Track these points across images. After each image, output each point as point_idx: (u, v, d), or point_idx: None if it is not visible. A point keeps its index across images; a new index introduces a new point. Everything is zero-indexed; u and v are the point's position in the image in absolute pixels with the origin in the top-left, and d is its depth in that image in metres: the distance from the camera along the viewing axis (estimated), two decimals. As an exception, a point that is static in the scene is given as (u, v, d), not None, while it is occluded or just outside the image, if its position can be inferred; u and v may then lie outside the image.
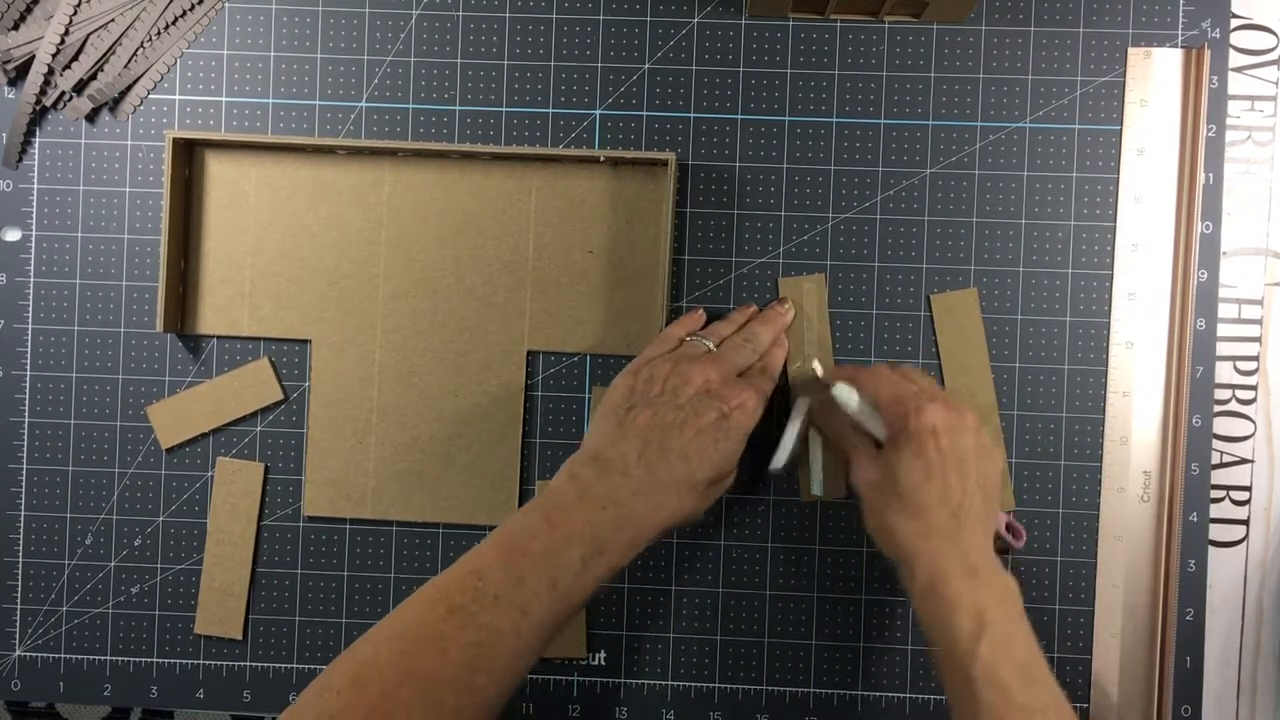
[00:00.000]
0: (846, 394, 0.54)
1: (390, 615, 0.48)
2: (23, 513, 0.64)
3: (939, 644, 0.50)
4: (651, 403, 0.53)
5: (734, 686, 0.63)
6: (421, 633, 0.47)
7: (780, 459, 0.58)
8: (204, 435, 0.63)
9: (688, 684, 0.63)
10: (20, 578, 0.64)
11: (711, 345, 0.58)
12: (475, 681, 0.46)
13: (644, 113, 0.63)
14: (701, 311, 0.61)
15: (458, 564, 0.49)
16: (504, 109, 0.63)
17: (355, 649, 0.47)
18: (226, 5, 0.63)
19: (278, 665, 0.64)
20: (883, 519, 0.52)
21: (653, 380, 0.54)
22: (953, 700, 0.49)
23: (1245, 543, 0.62)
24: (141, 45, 0.63)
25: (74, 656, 0.64)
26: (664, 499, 0.51)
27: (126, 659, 0.64)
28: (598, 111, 0.63)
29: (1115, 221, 0.62)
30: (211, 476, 0.63)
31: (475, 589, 0.48)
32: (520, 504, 0.63)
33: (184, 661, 0.64)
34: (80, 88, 0.63)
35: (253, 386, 0.63)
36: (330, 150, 0.62)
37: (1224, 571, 0.62)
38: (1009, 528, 0.61)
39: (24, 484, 0.64)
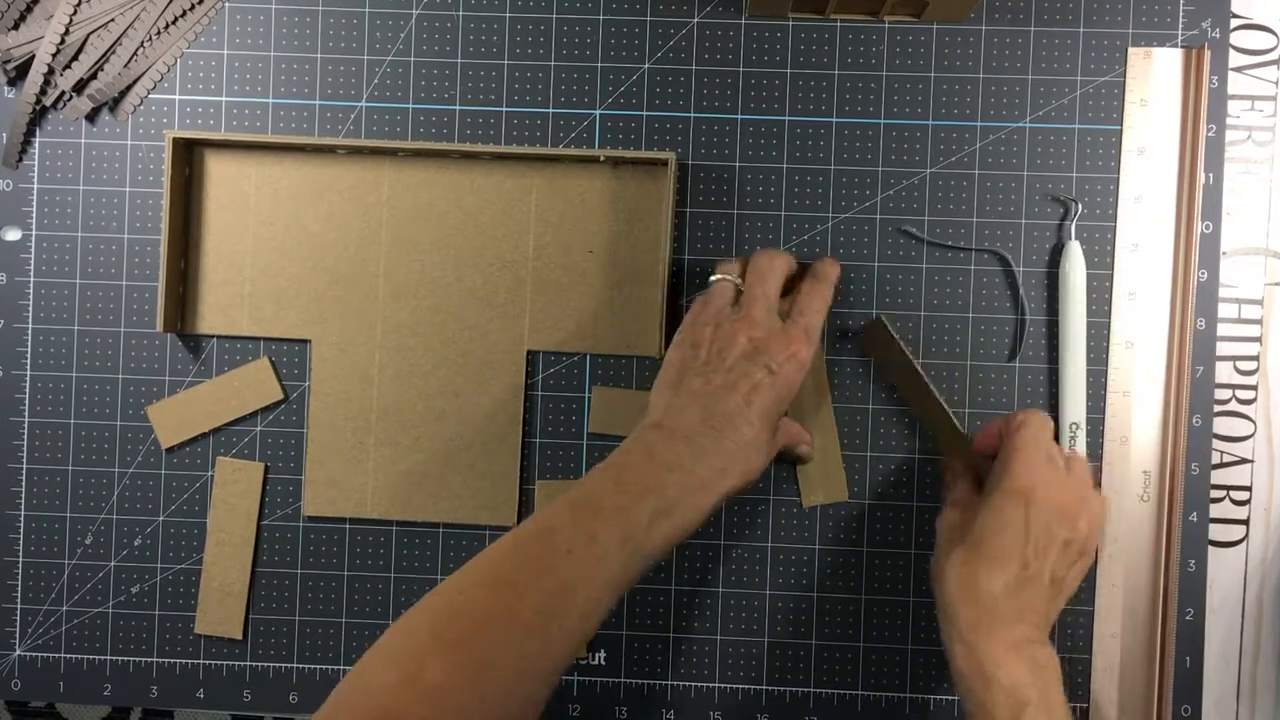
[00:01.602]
0: None
1: (464, 568, 0.49)
2: (23, 513, 0.64)
3: (971, 713, 0.51)
4: (701, 370, 0.53)
5: (734, 686, 0.63)
6: (499, 579, 0.48)
7: None
8: (204, 435, 0.63)
9: (687, 684, 0.63)
10: (20, 578, 0.64)
11: (734, 280, 0.57)
12: (551, 630, 0.47)
13: (644, 113, 0.63)
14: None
15: (529, 521, 0.50)
16: (504, 109, 0.63)
17: (431, 599, 0.48)
18: (226, 5, 0.63)
19: (278, 665, 0.64)
20: (943, 571, 0.54)
21: (698, 346, 0.54)
22: None
23: (1245, 543, 0.62)
24: (141, 45, 0.63)
25: (74, 656, 0.64)
26: (729, 463, 0.51)
27: (126, 659, 0.64)
28: (598, 111, 0.63)
29: (1115, 221, 0.62)
30: (211, 476, 0.63)
31: (549, 544, 0.48)
32: (520, 504, 0.63)
33: (184, 661, 0.64)
34: (80, 88, 0.63)
35: (253, 386, 0.63)
36: (330, 150, 0.62)
37: (1224, 571, 0.62)
38: None
39: (24, 484, 0.64)
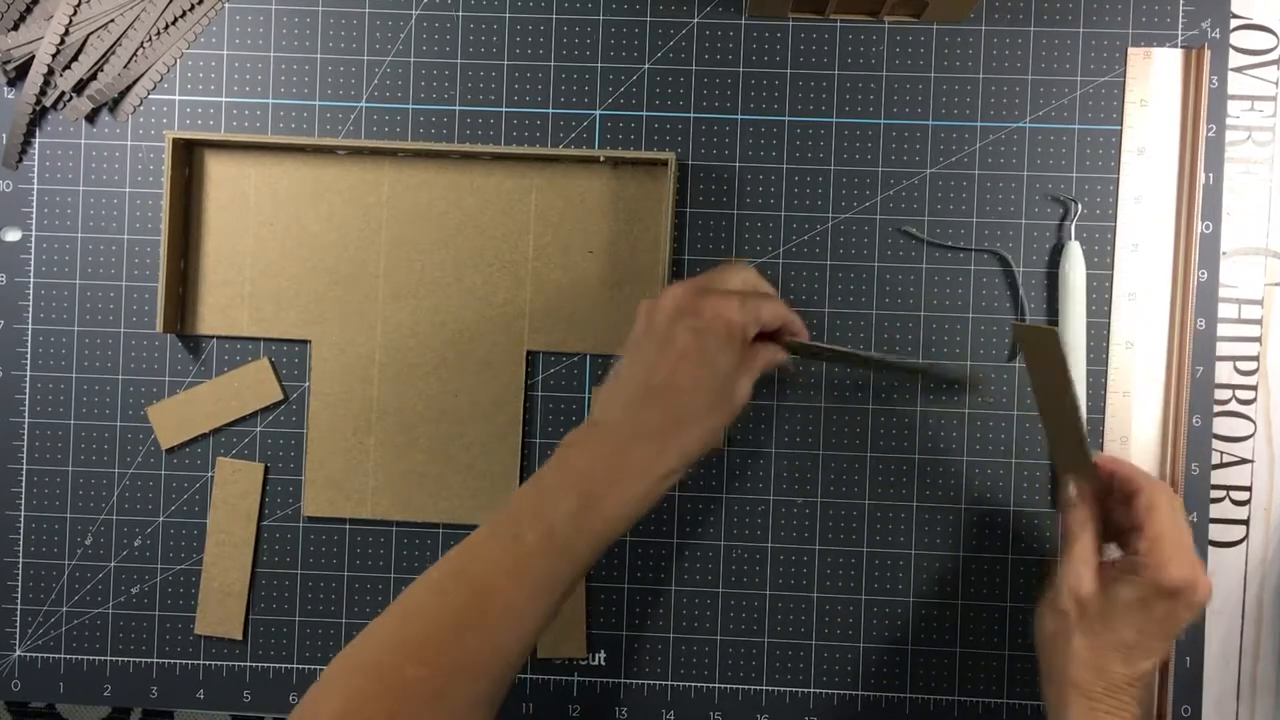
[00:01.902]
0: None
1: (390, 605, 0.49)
2: (23, 513, 0.64)
3: None
4: (630, 351, 0.52)
5: (734, 686, 0.63)
6: (411, 607, 0.48)
7: None
8: (204, 436, 0.63)
9: (688, 684, 0.63)
10: (20, 578, 0.64)
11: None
12: (465, 640, 0.47)
13: (644, 113, 0.63)
14: None
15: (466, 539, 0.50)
16: (504, 109, 0.63)
17: (352, 643, 0.48)
18: (226, 5, 0.63)
19: (278, 665, 0.64)
20: (1069, 639, 0.51)
21: (637, 324, 0.52)
22: None
23: (1245, 543, 0.62)
24: (141, 45, 0.63)
25: (74, 657, 0.64)
26: (662, 444, 0.50)
27: (126, 659, 0.64)
28: (598, 111, 0.63)
29: (1115, 221, 0.62)
30: (211, 476, 0.63)
31: (468, 558, 0.48)
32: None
33: (184, 661, 0.64)
34: (80, 88, 0.63)
35: (253, 386, 0.63)
36: (330, 150, 0.62)
37: (1224, 571, 0.62)
38: None
39: (24, 484, 0.64)
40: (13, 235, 0.64)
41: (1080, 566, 0.51)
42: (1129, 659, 0.50)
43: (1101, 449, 0.61)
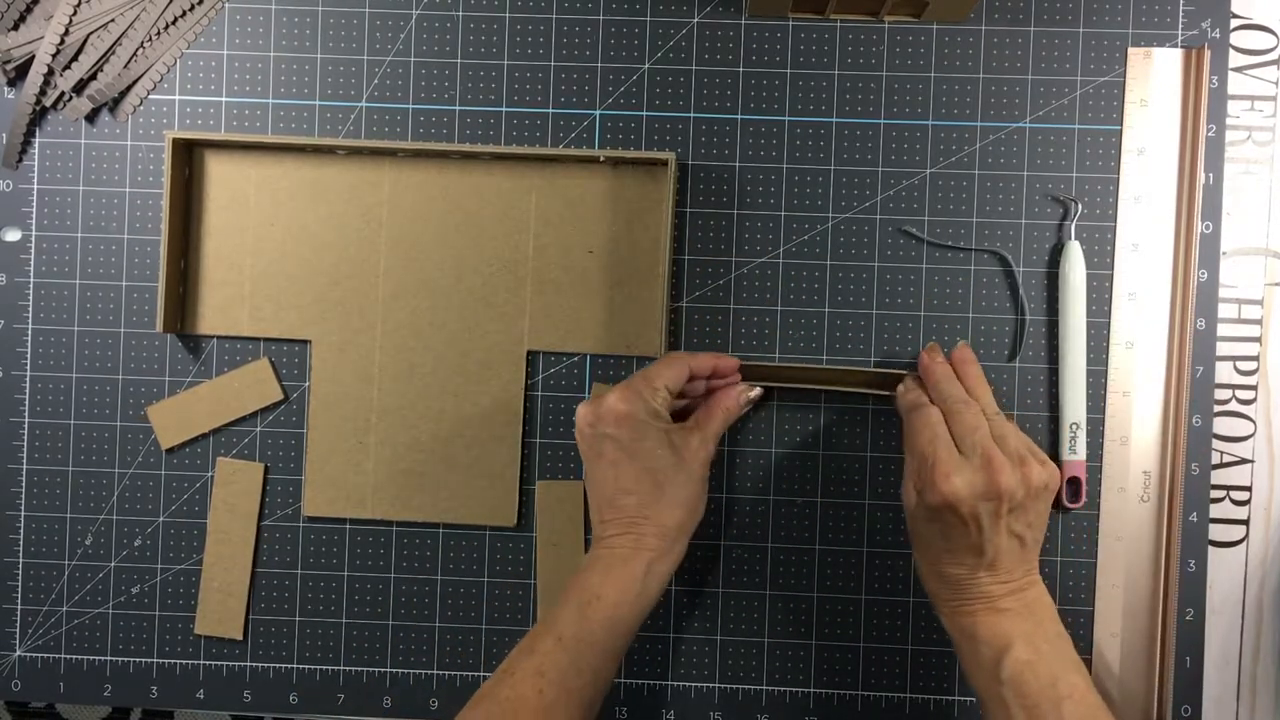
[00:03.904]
0: None
1: None
2: (23, 513, 0.64)
3: (965, 670, 0.54)
4: (587, 468, 0.57)
5: (734, 686, 0.63)
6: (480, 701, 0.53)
7: None
8: (204, 435, 0.63)
9: (688, 684, 0.63)
10: (20, 578, 0.64)
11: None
12: None
13: (644, 113, 0.63)
14: None
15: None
16: (504, 109, 0.63)
17: None
18: (226, 5, 0.63)
19: (278, 665, 0.64)
20: (914, 547, 0.56)
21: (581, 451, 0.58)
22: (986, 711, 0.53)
23: (1245, 543, 0.62)
24: (141, 45, 0.63)
25: (74, 657, 0.64)
26: (639, 534, 0.55)
27: (126, 659, 0.64)
28: (598, 111, 0.63)
29: (1115, 221, 0.62)
30: (211, 476, 0.63)
31: (500, 677, 0.53)
32: (520, 504, 0.63)
33: (184, 661, 0.64)
34: (80, 88, 0.63)
35: (253, 386, 0.63)
36: (330, 150, 0.62)
37: (1224, 571, 0.62)
38: (1071, 480, 0.61)
39: (24, 484, 0.64)
40: (13, 235, 0.64)
41: (906, 480, 0.55)
42: (948, 565, 0.54)
43: (1102, 449, 0.61)
